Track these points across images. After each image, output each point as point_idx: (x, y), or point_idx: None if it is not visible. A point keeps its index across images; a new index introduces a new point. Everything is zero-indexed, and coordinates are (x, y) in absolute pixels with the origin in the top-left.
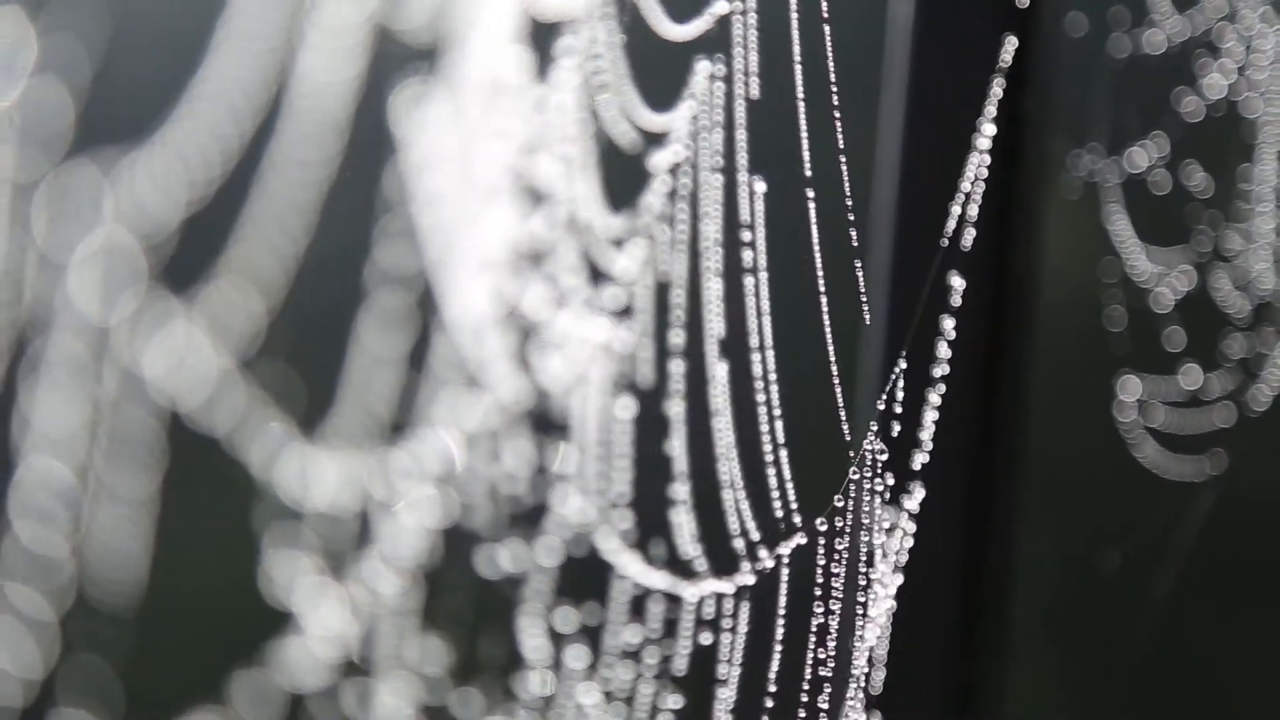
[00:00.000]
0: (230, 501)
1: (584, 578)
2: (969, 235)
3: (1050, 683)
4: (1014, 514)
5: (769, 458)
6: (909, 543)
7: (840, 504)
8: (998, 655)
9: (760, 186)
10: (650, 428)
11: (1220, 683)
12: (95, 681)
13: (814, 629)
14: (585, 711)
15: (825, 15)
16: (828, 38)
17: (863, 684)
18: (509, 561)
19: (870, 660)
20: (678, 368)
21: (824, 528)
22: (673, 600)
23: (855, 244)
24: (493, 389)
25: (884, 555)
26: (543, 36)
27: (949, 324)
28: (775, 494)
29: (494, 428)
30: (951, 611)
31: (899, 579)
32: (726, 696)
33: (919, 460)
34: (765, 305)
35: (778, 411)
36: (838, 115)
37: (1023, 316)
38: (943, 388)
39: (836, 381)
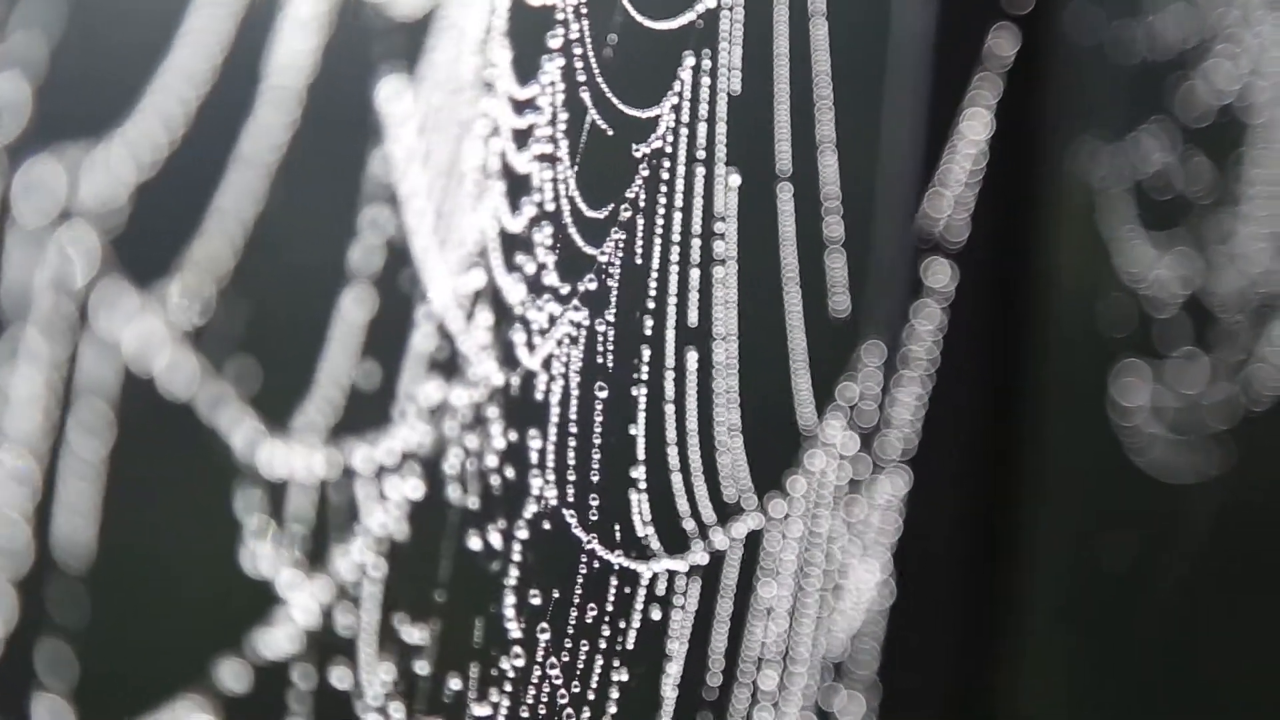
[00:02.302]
0: (206, 482)
1: (551, 556)
2: (975, 233)
3: (1059, 679)
4: (1021, 513)
5: (742, 443)
6: (894, 532)
7: (802, 489)
8: (1004, 652)
9: (735, 179)
10: (621, 412)
11: (1223, 678)
12: (61, 657)
13: (766, 610)
14: (553, 683)
15: (821, 10)
16: (821, 33)
17: (833, 667)
18: (484, 540)
19: (853, 646)
20: (651, 355)
21: (784, 514)
22: (631, 578)
23: (843, 236)
24: (471, 374)
25: (858, 542)
26: (526, 28)
27: (941, 318)
28: (744, 477)
29: (471, 411)
30: (957, 607)
31: (880, 566)
32: (675, 672)
33: (910, 451)
34: (762, 295)
35: (745, 398)
36: (821, 109)
37: (1028, 314)
38: (941, 383)
39: (789, 369)
